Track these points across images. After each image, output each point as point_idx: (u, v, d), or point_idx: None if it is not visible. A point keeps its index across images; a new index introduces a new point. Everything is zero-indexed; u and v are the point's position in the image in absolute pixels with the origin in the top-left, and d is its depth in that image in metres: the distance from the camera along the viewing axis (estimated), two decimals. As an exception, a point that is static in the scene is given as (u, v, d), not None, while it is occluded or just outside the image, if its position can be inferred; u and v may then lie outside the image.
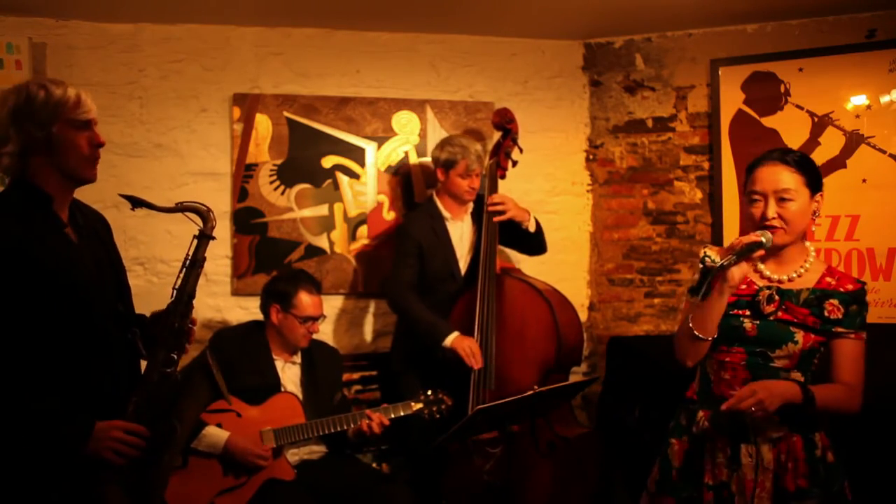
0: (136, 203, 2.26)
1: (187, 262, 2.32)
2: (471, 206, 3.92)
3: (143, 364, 2.29)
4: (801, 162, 2.31)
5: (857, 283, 2.33)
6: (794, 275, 2.33)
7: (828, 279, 2.32)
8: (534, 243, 3.90)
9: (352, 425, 3.31)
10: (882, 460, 3.16)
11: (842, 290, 2.30)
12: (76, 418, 2.10)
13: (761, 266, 2.36)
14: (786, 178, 2.27)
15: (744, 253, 2.20)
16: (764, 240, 2.21)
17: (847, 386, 2.26)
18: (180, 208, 2.32)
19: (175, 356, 2.25)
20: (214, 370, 2.27)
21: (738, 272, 2.23)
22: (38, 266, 2.09)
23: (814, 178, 2.32)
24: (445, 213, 3.86)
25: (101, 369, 2.17)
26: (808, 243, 2.39)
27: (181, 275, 2.31)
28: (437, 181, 3.89)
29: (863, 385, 2.29)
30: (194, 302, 3.99)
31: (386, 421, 3.31)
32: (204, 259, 2.34)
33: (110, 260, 2.34)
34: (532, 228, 3.81)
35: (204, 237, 2.33)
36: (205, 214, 2.33)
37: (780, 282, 2.34)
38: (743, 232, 2.52)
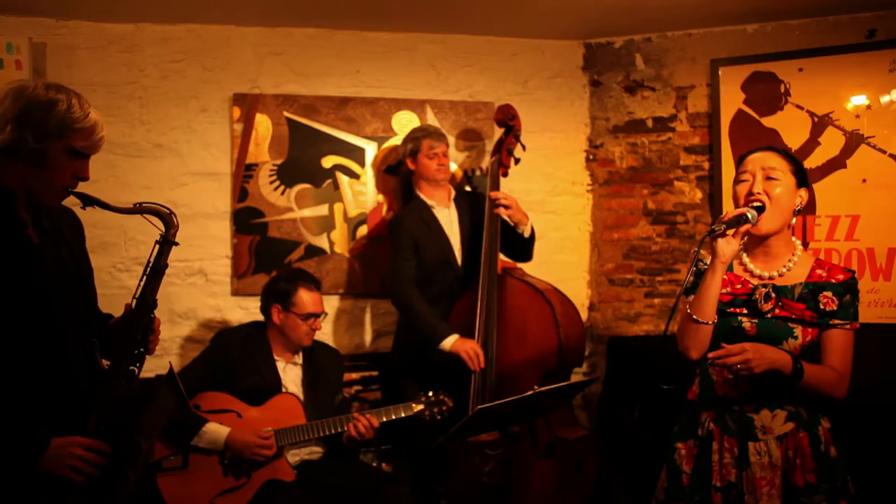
0: (89, 202, 2.09)
1: (147, 269, 2.14)
2: (452, 192, 3.97)
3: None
4: (789, 153, 2.41)
5: (846, 272, 2.35)
6: (784, 269, 2.36)
7: (818, 271, 2.35)
8: (524, 249, 3.91)
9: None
10: (883, 460, 3.16)
11: (833, 281, 2.33)
12: (30, 432, 1.98)
13: (751, 265, 2.39)
14: (774, 160, 2.36)
15: (731, 223, 2.25)
16: (749, 216, 2.26)
17: (836, 371, 2.29)
18: (139, 210, 2.13)
19: (136, 369, 2.12)
20: (180, 384, 2.17)
21: (727, 247, 2.26)
22: None
23: (800, 170, 2.39)
24: (430, 202, 3.90)
25: (59, 380, 2.05)
26: (795, 239, 2.42)
27: (141, 284, 2.14)
28: (412, 174, 3.95)
29: (850, 373, 2.32)
30: (194, 302, 3.96)
31: (375, 423, 3.30)
32: (166, 266, 2.17)
33: (75, 264, 2.17)
34: (527, 234, 3.83)
35: (166, 243, 2.15)
36: (167, 218, 2.15)
37: (771, 278, 2.36)
38: None
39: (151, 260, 2.15)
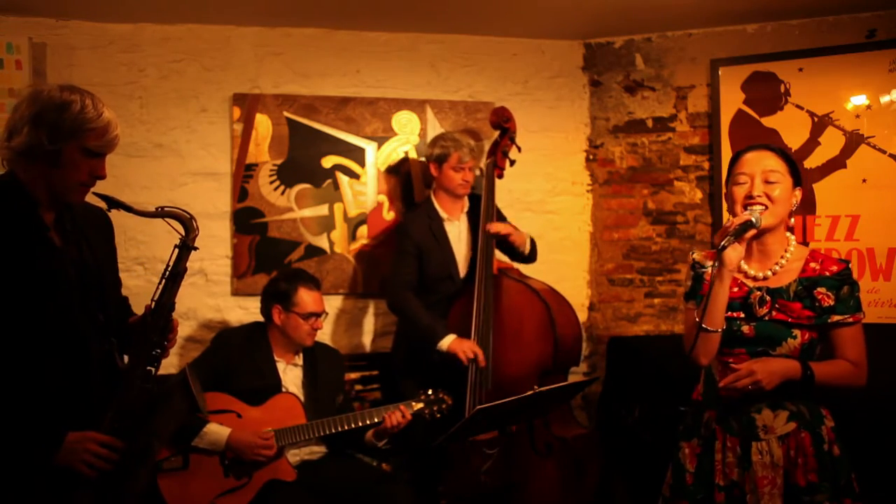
0: (113, 204, 2.16)
1: (167, 273, 2.20)
2: (466, 203, 3.94)
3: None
4: (786, 153, 2.41)
5: (840, 262, 2.35)
6: (777, 267, 2.36)
7: (812, 265, 2.35)
8: (527, 260, 3.95)
9: (352, 426, 3.31)
10: (885, 459, 3.16)
11: (827, 273, 2.33)
12: (46, 428, 2.03)
13: (745, 266, 2.38)
14: (773, 161, 2.35)
15: (738, 233, 2.25)
16: (753, 219, 2.26)
17: (852, 363, 2.31)
18: (161, 214, 2.19)
19: (153, 370, 2.17)
20: (194, 387, 2.20)
21: (734, 255, 2.26)
22: (11, 269, 2.02)
23: (796, 171, 2.39)
24: (443, 214, 3.87)
25: (76, 379, 2.10)
26: (789, 235, 2.41)
27: (160, 287, 2.19)
28: (432, 178, 3.91)
29: (866, 360, 2.34)
30: (194, 302, 3.95)
31: (408, 414, 3.32)
32: (185, 270, 2.22)
33: (98, 265, 2.21)
34: (527, 252, 3.87)
35: (186, 248, 2.20)
36: (187, 223, 2.21)
37: (765, 279, 2.36)
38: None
39: (171, 264, 2.20)
